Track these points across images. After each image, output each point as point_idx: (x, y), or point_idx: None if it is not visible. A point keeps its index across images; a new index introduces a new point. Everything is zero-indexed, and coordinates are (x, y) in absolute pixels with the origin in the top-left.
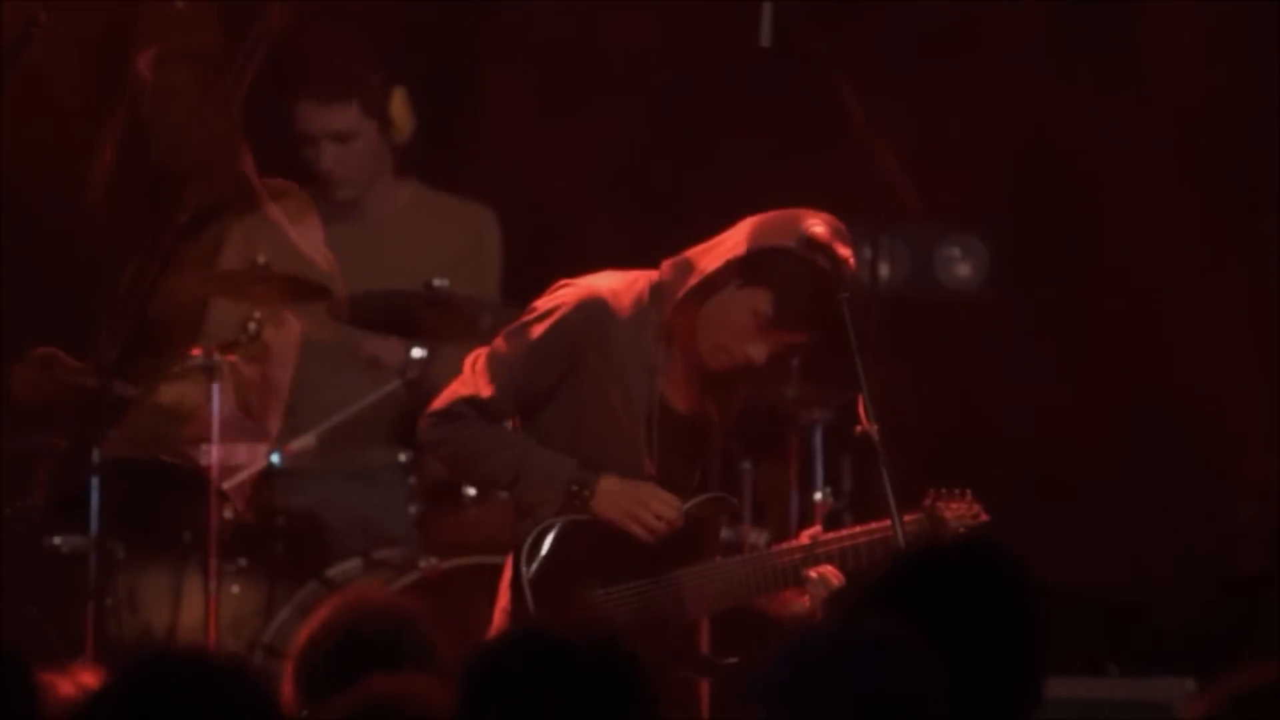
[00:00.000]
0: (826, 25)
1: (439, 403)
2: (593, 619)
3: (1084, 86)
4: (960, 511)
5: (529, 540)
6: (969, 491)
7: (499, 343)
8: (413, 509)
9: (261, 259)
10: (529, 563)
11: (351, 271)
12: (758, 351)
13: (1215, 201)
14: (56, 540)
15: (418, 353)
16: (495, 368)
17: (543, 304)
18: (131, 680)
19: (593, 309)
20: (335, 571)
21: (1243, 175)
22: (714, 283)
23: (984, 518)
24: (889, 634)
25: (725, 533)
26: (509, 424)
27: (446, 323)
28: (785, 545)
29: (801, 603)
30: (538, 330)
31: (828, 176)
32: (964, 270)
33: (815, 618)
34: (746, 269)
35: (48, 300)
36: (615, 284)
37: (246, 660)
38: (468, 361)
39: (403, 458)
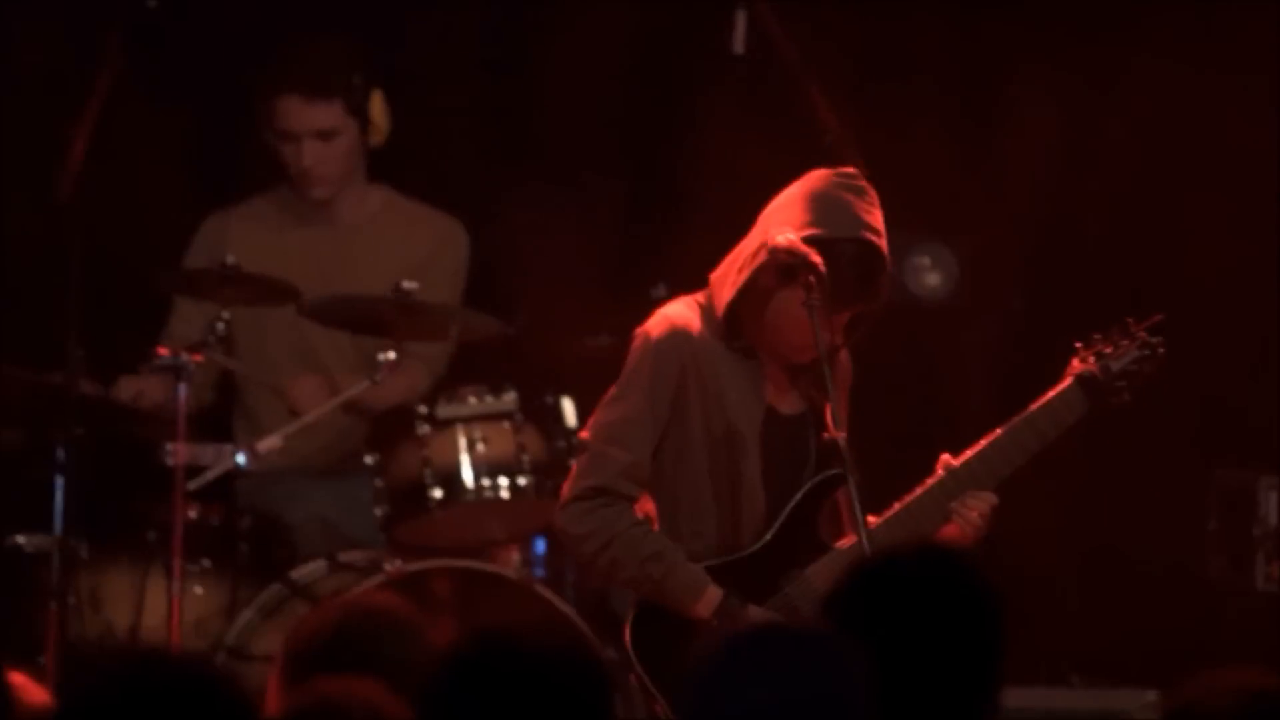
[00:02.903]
0: (800, 33)
1: (580, 485)
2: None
3: (1055, 93)
4: (1124, 354)
5: (633, 608)
6: (1128, 321)
7: (608, 410)
8: (378, 511)
9: (230, 259)
10: (636, 627)
11: (320, 275)
12: (836, 334)
13: (1196, 207)
14: (19, 539)
15: (385, 356)
16: (621, 433)
17: (632, 357)
18: (100, 681)
19: (679, 337)
20: (300, 573)
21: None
22: (758, 290)
23: (1160, 350)
24: (808, 634)
25: None
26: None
27: (414, 326)
28: (908, 496)
29: (952, 535)
30: (642, 377)
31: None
32: (933, 279)
33: (970, 541)
34: (780, 271)
35: (15, 298)
36: (682, 312)
37: (213, 660)
38: (583, 440)
39: (369, 460)
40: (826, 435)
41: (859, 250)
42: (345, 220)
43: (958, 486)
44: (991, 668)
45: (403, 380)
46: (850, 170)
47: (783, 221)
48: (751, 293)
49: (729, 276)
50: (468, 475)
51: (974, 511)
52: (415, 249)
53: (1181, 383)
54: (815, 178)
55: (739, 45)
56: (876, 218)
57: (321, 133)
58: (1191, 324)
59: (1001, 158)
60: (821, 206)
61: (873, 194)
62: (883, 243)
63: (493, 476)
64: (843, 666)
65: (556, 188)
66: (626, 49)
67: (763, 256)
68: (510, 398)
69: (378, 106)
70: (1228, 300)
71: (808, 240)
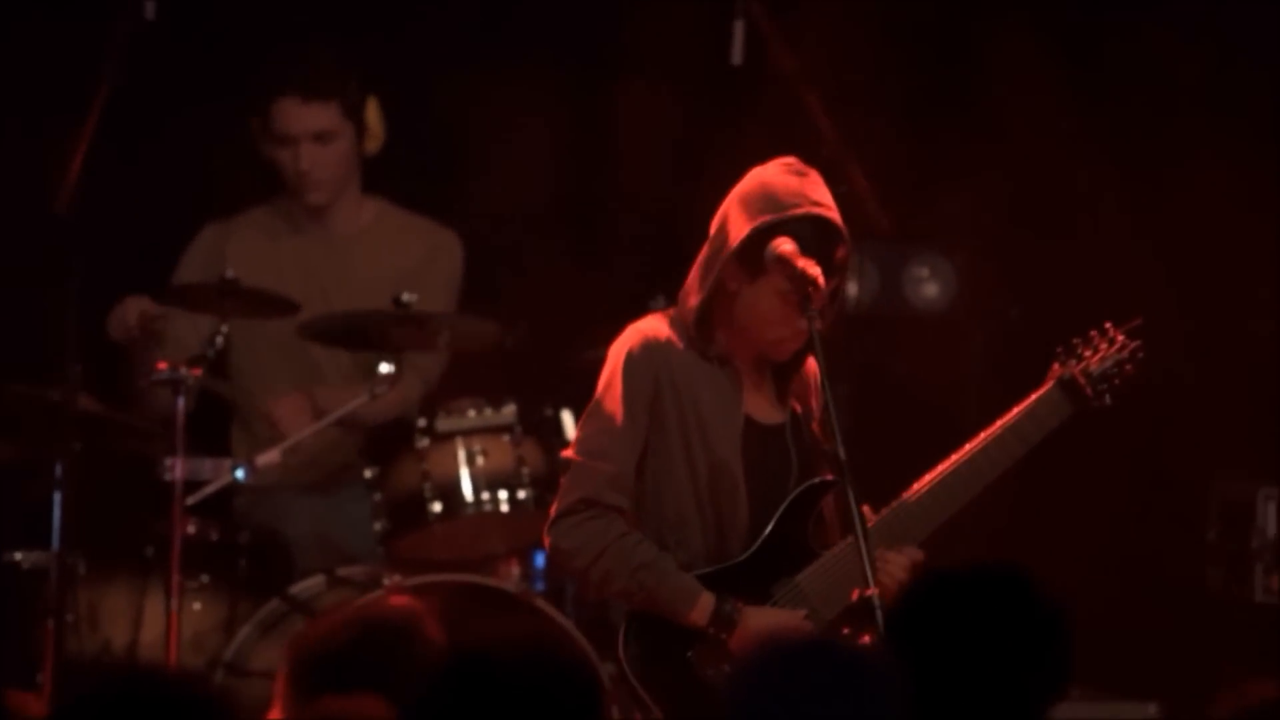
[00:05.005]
0: (800, 44)
1: (568, 500)
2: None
3: (1055, 106)
4: (1105, 357)
5: (625, 619)
6: (1107, 325)
7: (588, 425)
8: (377, 526)
9: (229, 272)
10: (628, 638)
11: (315, 285)
12: (808, 320)
13: (1195, 215)
14: (17, 555)
15: (385, 368)
16: (603, 445)
17: (605, 369)
18: (91, 699)
19: (651, 348)
20: (298, 589)
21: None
22: (726, 294)
23: (1140, 353)
24: (850, 653)
25: None
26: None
27: (413, 338)
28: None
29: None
30: (617, 389)
31: None
32: (931, 290)
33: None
34: (743, 267)
35: (12, 312)
36: (654, 324)
37: (207, 678)
38: (567, 458)
39: (367, 474)
40: (826, 447)
41: (813, 228)
42: (340, 230)
43: (945, 494)
44: (1047, 685)
45: (395, 392)
46: (790, 159)
47: (736, 220)
48: (720, 297)
49: (694, 284)
50: (467, 488)
51: (897, 568)
52: (409, 258)
53: (1180, 393)
54: (755, 173)
55: (737, 57)
56: (824, 195)
57: (318, 134)
58: (1190, 333)
59: (998, 168)
60: (765, 195)
61: (816, 175)
62: (833, 215)
63: (492, 490)
64: (883, 687)
65: (556, 199)
66: (627, 64)
67: (724, 259)
68: (509, 410)
69: (373, 113)
70: (1226, 309)
71: (759, 229)
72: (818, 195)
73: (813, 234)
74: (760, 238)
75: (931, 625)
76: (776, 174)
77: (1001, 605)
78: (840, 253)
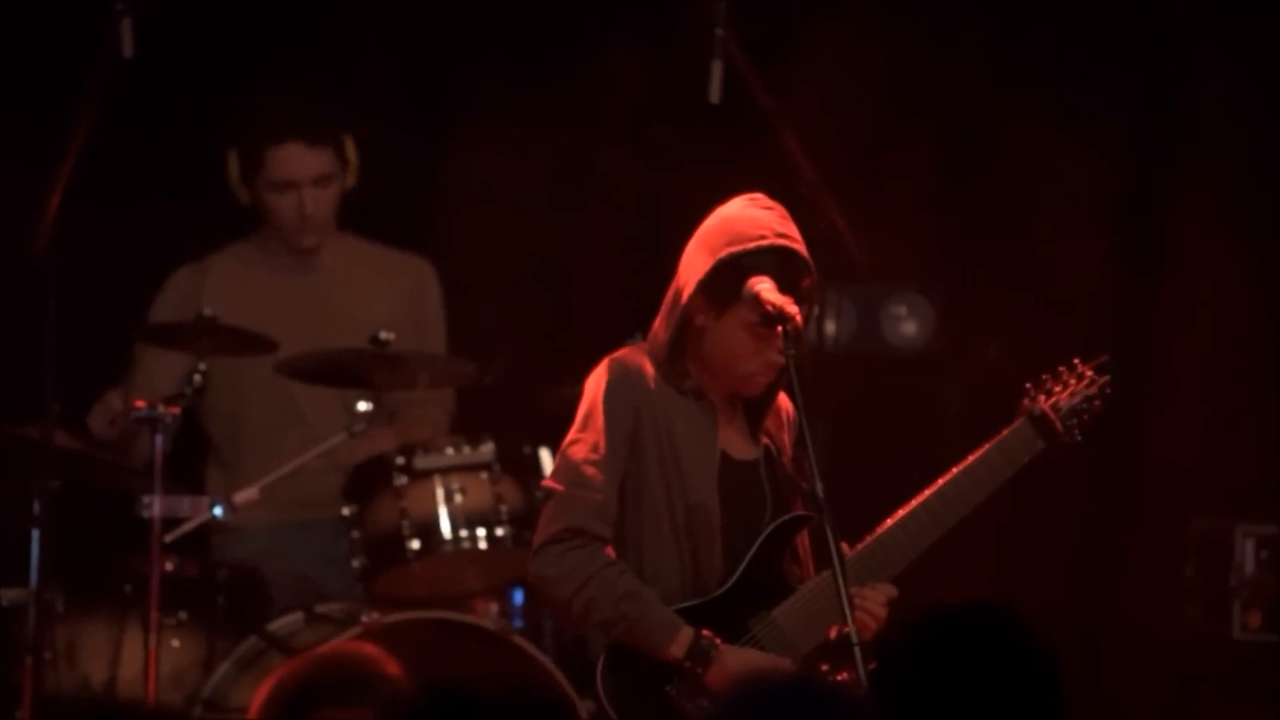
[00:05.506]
0: (779, 84)
1: (553, 529)
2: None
3: (1033, 145)
4: (1074, 392)
5: (603, 653)
6: (1075, 361)
7: (569, 454)
8: (355, 563)
9: (206, 310)
10: (606, 671)
11: (302, 324)
12: (779, 353)
13: (1161, 256)
14: None
15: (363, 406)
16: (586, 475)
17: (584, 399)
18: None
19: (631, 378)
20: (276, 625)
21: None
22: (693, 329)
23: (1107, 389)
24: (829, 691)
25: None
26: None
27: (392, 375)
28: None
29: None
30: (598, 418)
31: None
32: (909, 328)
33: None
34: (710, 301)
35: None
36: (631, 356)
37: (186, 715)
38: (550, 487)
39: (346, 511)
40: (805, 486)
41: (776, 259)
42: (322, 268)
43: (917, 528)
44: None
45: (425, 427)
46: (756, 194)
47: (701, 254)
48: (688, 332)
49: (661, 321)
50: (445, 526)
51: (874, 604)
52: (391, 293)
53: (1157, 431)
54: (721, 209)
55: (715, 95)
56: (789, 227)
57: (319, 179)
58: (1167, 372)
59: (976, 207)
60: (727, 229)
61: (782, 209)
62: (799, 247)
63: (470, 527)
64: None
65: (532, 236)
66: (605, 101)
67: (689, 295)
68: (488, 448)
69: (351, 150)
70: (1203, 348)
71: (722, 262)
72: (782, 227)
73: (776, 265)
74: (726, 273)
75: (933, 664)
76: (739, 208)
77: (1002, 647)
78: (806, 282)
